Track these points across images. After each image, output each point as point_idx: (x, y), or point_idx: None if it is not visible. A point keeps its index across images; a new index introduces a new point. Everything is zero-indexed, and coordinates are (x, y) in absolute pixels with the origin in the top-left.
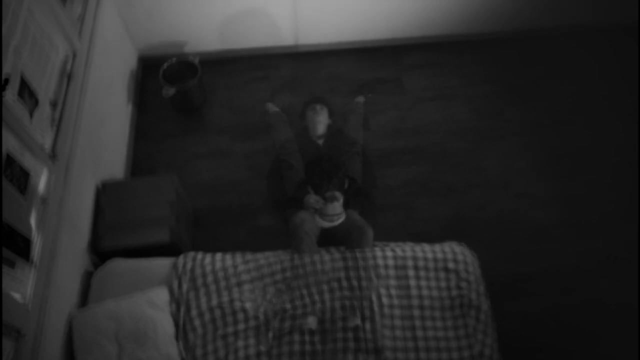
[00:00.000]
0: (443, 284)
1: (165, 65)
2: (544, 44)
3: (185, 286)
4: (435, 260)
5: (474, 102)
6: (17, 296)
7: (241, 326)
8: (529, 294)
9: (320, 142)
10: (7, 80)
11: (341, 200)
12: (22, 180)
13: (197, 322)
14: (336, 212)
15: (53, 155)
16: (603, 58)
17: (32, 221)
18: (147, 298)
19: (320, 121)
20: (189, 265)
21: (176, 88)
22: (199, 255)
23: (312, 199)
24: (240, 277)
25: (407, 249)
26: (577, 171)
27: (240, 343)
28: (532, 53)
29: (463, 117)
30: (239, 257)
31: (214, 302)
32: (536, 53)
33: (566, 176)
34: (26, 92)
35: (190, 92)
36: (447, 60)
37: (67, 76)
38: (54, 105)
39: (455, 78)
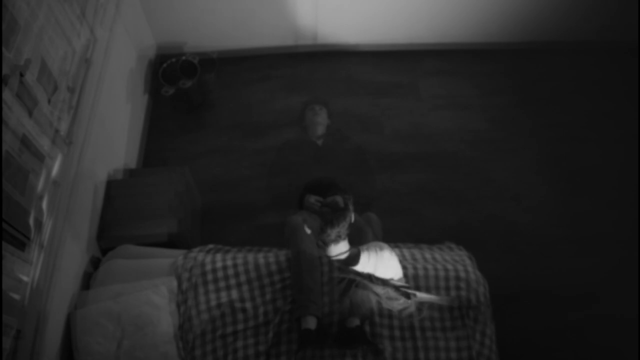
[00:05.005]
0: (442, 284)
1: (181, 59)
2: (564, 58)
3: (184, 285)
4: (435, 260)
5: (490, 112)
6: (25, 278)
7: (240, 326)
8: (533, 309)
9: (320, 142)
10: (28, 61)
11: (345, 233)
12: (37, 162)
13: (196, 322)
14: (341, 251)
15: (68, 140)
16: (624, 77)
17: (44, 204)
18: (154, 286)
19: (320, 122)
20: (200, 258)
21: (192, 83)
22: (199, 256)
23: (312, 198)
24: (239, 277)
25: (404, 250)
26: (587, 188)
27: (240, 343)
28: (551, 67)
29: (477, 127)
30: (239, 258)
31: (213, 302)
32: (555, 67)
33: (576, 193)
34: (45, 76)
35: (206, 87)
36: (465, 68)
37: (86, 62)
38: (71, 90)
39: (471, 87)
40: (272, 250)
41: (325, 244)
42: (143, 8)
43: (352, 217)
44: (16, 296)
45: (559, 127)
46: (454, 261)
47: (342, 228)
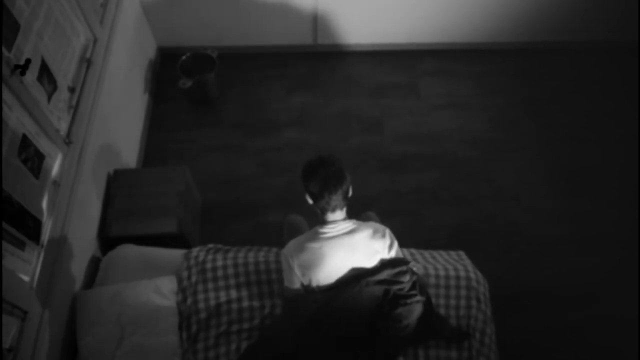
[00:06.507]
0: (442, 282)
1: (183, 57)
2: (564, 58)
3: (194, 278)
4: (435, 260)
5: (490, 112)
6: (25, 277)
7: (245, 325)
8: (533, 309)
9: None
10: (28, 61)
11: (342, 203)
12: (37, 162)
13: (202, 315)
14: (337, 218)
15: (68, 140)
16: (624, 77)
17: (44, 204)
18: (154, 286)
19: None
20: (200, 257)
21: (193, 80)
22: (199, 255)
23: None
24: (239, 277)
25: (404, 249)
26: (587, 188)
27: (243, 342)
28: (551, 67)
29: (477, 127)
30: (239, 257)
31: (212, 301)
32: (555, 67)
33: (576, 193)
34: (45, 75)
35: (207, 85)
36: (465, 68)
37: (86, 62)
38: (72, 90)
39: (471, 87)
40: (272, 250)
41: (323, 213)
42: (143, 7)
43: (350, 189)
44: (17, 297)
45: (559, 127)
46: (454, 261)
47: (339, 196)
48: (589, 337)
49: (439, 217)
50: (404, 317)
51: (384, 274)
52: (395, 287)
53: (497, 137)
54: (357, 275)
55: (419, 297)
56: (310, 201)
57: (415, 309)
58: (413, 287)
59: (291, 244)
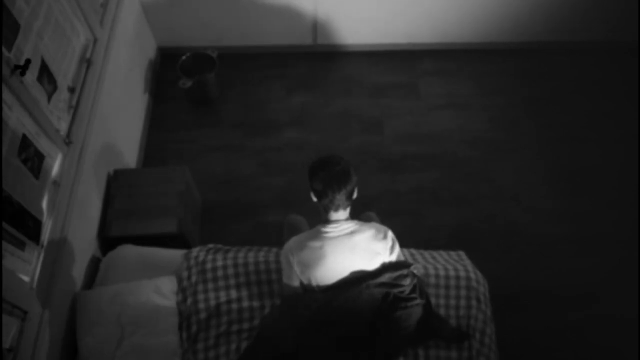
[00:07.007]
0: (442, 282)
1: (183, 57)
2: (564, 58)
3: (194, 278)
4: (435, 260)
5: (490, 112)
6: (25, 277)
7: (245, 325)
8: (533, 309)
9: None
10: (28, 61)
11: (346, 203)
12: (37, 162)
13: (202, 315)
14: (340, 218)
15: (68, 140)
16: (624, 77)
17: (44, 204)
18: (154, 286)
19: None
20: (200, 257)
21: (193, 80)
22: (199, 255)
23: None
24: (239, 277)
25: (404, 250)
26: (587, 188)
27: (243, 342)
28: (551, 67)
29: (477, 127)
30: (239, 257)
31: (222, 298)
32: (555, 67)
33: (576, 193)
34: (45, 75)
35: (207, 85)
36: (465, 68)
37: (86, 62)
38: (72, 90)
39: (472, 87)
40: (272, 250)
41: (326, 211)
42: (143, 7)
43: (355, 191)
44: (17, 297)
45: (559, 127)
46: (454, 261)
47: (343, 196)
48: (589, 337)
49: (439, 217)
50: (402, 321)
51: (385, 277)
52: (396, 290)
53: (497, 137)
54: (358, 277)
55: (418, 301)
56: (315, 199)
57: (414, 313)
58: (413, 290)
59: (292, 241)
